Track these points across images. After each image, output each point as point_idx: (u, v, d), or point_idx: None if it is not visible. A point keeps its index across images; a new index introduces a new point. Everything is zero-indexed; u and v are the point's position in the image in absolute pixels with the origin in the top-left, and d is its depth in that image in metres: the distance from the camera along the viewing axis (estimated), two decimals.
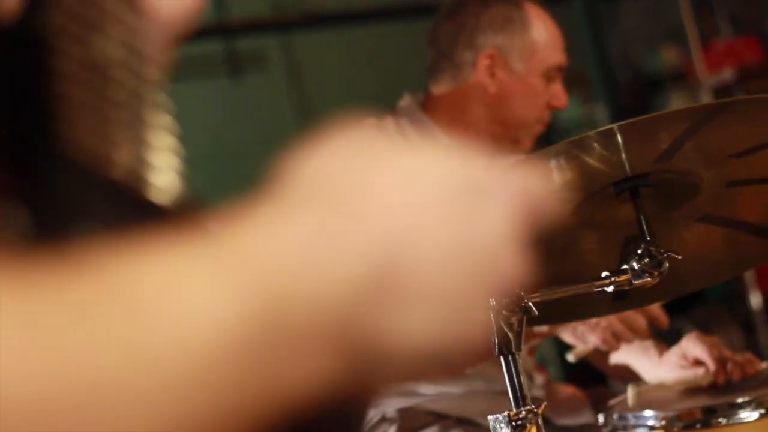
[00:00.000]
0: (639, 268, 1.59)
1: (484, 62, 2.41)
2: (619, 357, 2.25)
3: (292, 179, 0.54)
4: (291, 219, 0.51)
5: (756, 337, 4.32)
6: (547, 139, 6.09)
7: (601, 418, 1.99)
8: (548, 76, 2.41)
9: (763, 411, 1.82)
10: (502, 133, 2.42)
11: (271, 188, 0.53)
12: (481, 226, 0.54)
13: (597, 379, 2.94)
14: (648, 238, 1.59)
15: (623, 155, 1.52)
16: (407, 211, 0.53)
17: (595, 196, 1.62)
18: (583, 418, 2.39)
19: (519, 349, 1.55)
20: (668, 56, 5.66)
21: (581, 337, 2.13)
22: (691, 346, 2.12)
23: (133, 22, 0.59)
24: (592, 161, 1.53)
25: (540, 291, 1.57)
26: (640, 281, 1.59)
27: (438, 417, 2.30)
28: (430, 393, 2.31)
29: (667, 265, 1.58)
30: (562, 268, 1.77)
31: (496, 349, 1.55)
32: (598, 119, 5.73)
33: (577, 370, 2.31)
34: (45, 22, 0.56)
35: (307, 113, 5.18)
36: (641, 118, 1.41)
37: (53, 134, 0.55)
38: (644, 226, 1.60)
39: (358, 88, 5.51)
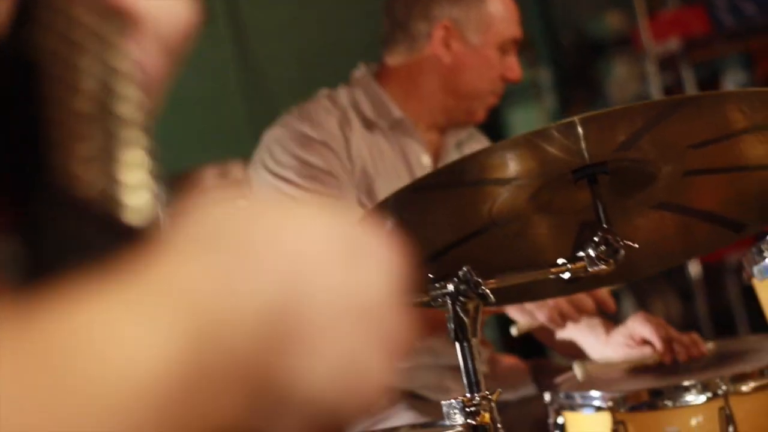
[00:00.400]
0: (595, 255, 1.59)
1: (439, 33, 2.40)
2: (566, 333, 2.27)
3: (195, 225, 0.54)
4: (198, 260, 0.52)
5: (694, 306, 4.38)
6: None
7: (547, 396, 2.01)
8: (503, 49, 2.41)
9: (710, 395, 1.84)
10: (456, 104, 2.42)
11: (177, 230, 0.54)
12: (365, 277, 0.56)
13: (536, 350, 2.97)
14: (605, 226, 1.60)
15: (582, 144, 1.52)
16: (301, 258, 0.55)
17: (552, 182, 1.62)
18: (525, 389, 2.41)
19: (474, 335, 1.55)
20: (613, 21, 5.68)
21: (528, 314, 2.14)
22: (638, 326, 2.14)
23: (122, 43, 0.57)
24: (552, 150, 1.53)
25: (496, 277, 1.57)
26: (595, 269, 1.60)
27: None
28: None
29: (623, 253, 1.59)
30: (516, 252, 1.77)
31: (452, 335, 1.55)
32: (543, 83, 5.74)
33: (516, 341, 2.32)
34: (33, 44, 0.54)
35: (250, 70, 5.14)
36: (600, 112, 1.43)
37: (45, 163, 0.54)
38: (601, 214, 1.60)
39: (301, 47, 5.48)
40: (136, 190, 0.56)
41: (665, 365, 2.09)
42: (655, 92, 4.32)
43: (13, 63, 0.55)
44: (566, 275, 1.60)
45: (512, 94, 5.93)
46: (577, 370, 2.06)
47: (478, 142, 2.59)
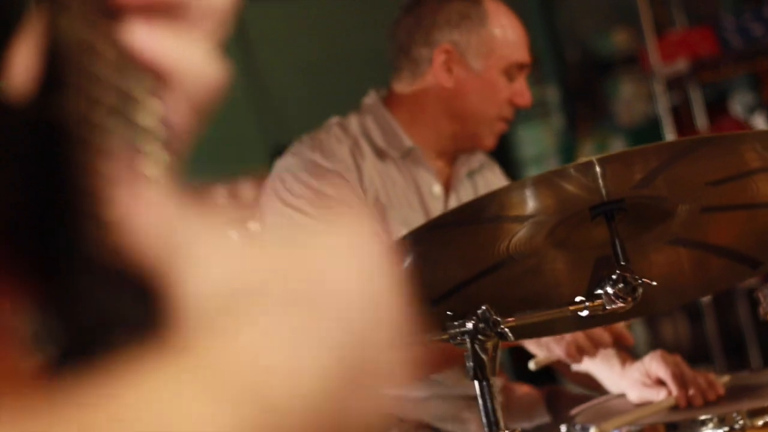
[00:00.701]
0: (613, 293, 1.59)
1: (439, 58, 2.39)
2: (582, 366, 2.26)
3: (231, 279, 0.53)
4: (251, 324, 0.51)
5: (704, 328, 4.37)
6: None
7: (563, 429, 2.00)
8: (509, 74, 2.39)
9: (727, 429, 1.84)
10: (461, 130, 2.40)
11: (215, 291, 0.53)
12: (393, 300, 0.56)
13: (548, 378, 2.96)
14: (622, 264, 1.60)
15: (600, 183, 1.52)
16: (351, 300, 0.54)
17: (570, 219, 1.62)
18: (539, 418, 2.40)
19: (494, 373, 1.55)
20: (619, 39, 5.68)
21: (545, 347, 2.13)
22: (654, 365, 2.12)
23: (149, 101, 0.57)
24: (570, 188, 1.53)
25: (514, 314, 1.57)
26: (613, 306, 1.60)
27: (396, 420, 2.30)
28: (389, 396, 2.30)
29: (641, 291, 1.59)
30: (532, 287, 1.77)
31: (471, 374, 1.55)
32: (550, 100, 5.75)
33: (527, 368, 2.31)
34: (60, 107, 0.53)
35: (257, 82, 5.15)
36: (619, 152, 1.43)
37: (72, 230, 0.53)
38: (619, 251, 1.60)
39: (308, 59, 5.49)
40: (159, 250, 0.55)
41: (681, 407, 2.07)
42: (663, 112, 4.32)
43: (40, 127, 0.54)
44: (584, 313, 1.60)
45: (519, 111, 5.94)
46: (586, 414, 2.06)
47: (491, 171, 2.58)
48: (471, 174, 2.51)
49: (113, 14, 0.56)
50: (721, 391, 2.07)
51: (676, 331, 4.40)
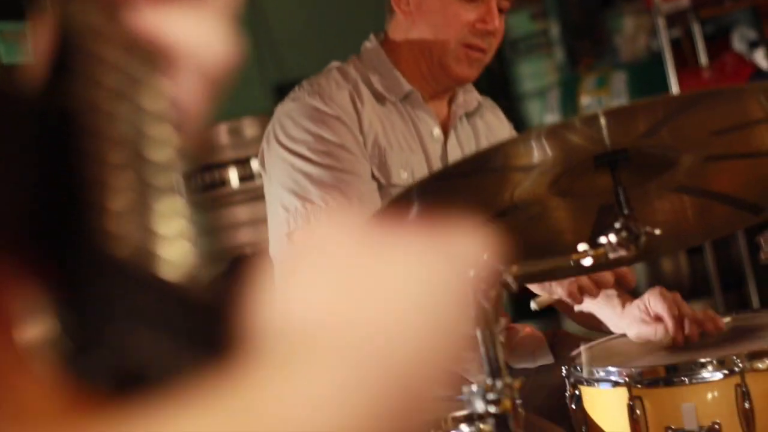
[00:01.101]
0: (616, 241, 1.61)
1: None
2: (584, 305, 2.29)
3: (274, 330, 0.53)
4: (302, 378, 0.52)
5: (703, 260, 4.40)
6: (499, 55, 6.08)
7: (564, 371, 2.03)
8: None
9: (726, 372, 1.86)
10: (431, 63, 2.38)
11: (258, 344, 0.53)
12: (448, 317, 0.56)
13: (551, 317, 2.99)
14: (626, 213, 1.61)
15: (605, 134, 1.53)
16: (406, 335, 0.54)
17: (574, 168, 1.63)
18: (543, 358, 2.43)
19: (497, 322, 1.56)
20: None
21: (547, 288, 2.16)
22: (653, 301, 2.15)
23: (157, 83, 0.56)
24: (575, 139, 1.55)
25: (518, 264, 1.58)
26: (616, 255, 1.61)
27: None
28: None
29: (644, 239, 1.60)
30: (536, 235, 1.79)
31: (474, 322, 1.56)
32: (551, 35, 5.72)
33: (529, 310, 2.33)
34: (69, 94, 0.53)
35: (261, 30, 5.12)
36: (624, 106, 1.44)
37: (79, 222, 0.53)
38: (622, 201, 1.62)
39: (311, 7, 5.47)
40: (172, 241, 0.54)
41: (678, 345, 2.10)
42: (664, 48, 4.31)
43: (49, 114, 0.53)
44: (588, 261, 1.61)
45: (519, 46, 5.92)
46: (584, 354, 2.08)
47: (492, 113, 2.58)
48: (469, 115, 2.51)
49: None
50: (722, 325, 2.10)
51: (677, 266, 4.43)
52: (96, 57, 0.54)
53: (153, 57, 0.56)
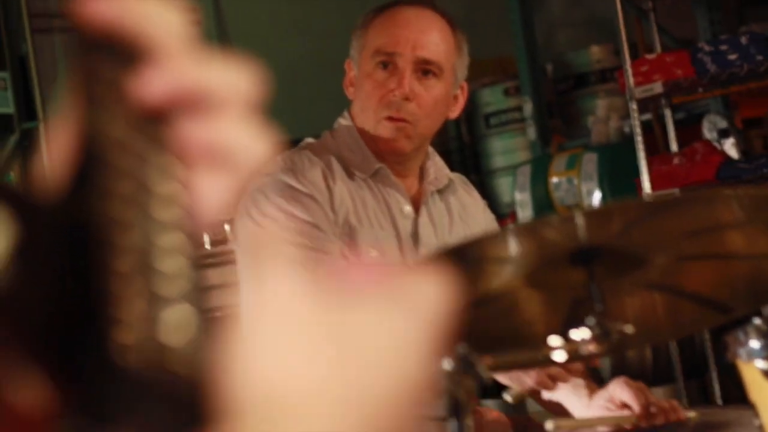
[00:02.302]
0: (588, 337, 1.63)
1: (348, 74, 2.48)
2: (553, 394, 2.30)
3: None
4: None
5: (667, 347, 4.43)
6: (472, 129, 6.14)
7: None
8: (381, 62, 2.39)
9: None
10: (368, 135, 2.43)
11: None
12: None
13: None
14: (599, 310, 1.63)
15: (581, 232, 1.56)
16: (381, 390, 0.55)
17: (549, 263, 1.65)
18: None
19: (469, 413, 1.58)
20: (596, 55, 5.73)
21: (517, 379, 2.17)
22: (618, 390, 2.18)
23: (185, 203, 0.57)
24: (551, 235, 1.57)
25: (492, 355, 1.60)
26: (588, 351, 1.63)
27: None
28: None
29: (616, 337, 1.62)
30: (506, 325, 1.80)
31: (447, 411, 1.57)
32: (525, 113, 5.79)
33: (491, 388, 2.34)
34: (92, 209, 0.53)
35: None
36: (600, 207, 1.46)
37: (104, 339, 0.53)
38: (596, 297, 1.64)
39: (285, 57, 5.50)
40: (180, 349, 0.54)
41: (642, 429, 2.13)
42: (636, 133, 4.37)
43: (69, 228, 0.54)
44: (560, 356, 1.63)
45: (493, 120, 5.98)
46: (549, 426, 2.09)
47: (466, 192, 2.61)
48: (441, 192, 2.53)
49: (149, 110, 0.56)
50: (683, 415, 2.12)
51: (641, 353, 4.45)
52: (117, 170, 0.55)
53: (173, 165, 0.56)
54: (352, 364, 0.55)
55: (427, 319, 0.57)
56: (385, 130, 2.39)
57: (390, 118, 2.38)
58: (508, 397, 2.18)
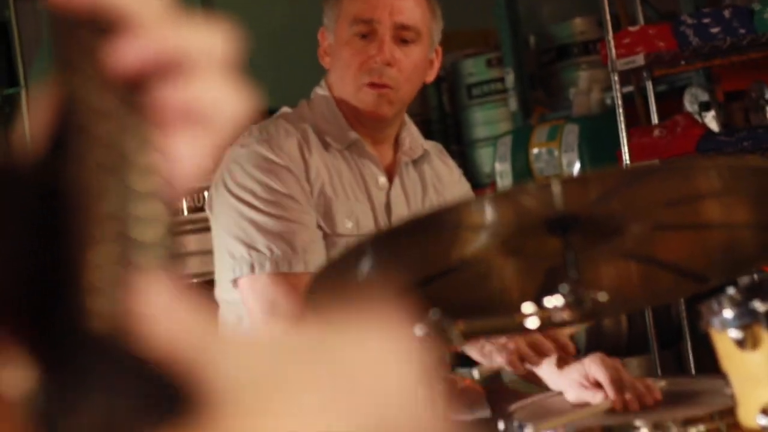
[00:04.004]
0: (562, 305, 1.63)
1: (321, 44, 2.47)
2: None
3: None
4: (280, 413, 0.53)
5: (643, 317, 4.45)
6: (453, 100, 6.13)
7: (501, 425, 2.04)
8: (361, 33, 2.38)
9: None
10: (349, 104, 2.42)
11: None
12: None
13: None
14: (573, 278, 1.63)
15: (558, 200, 1.56)
16: (384, 392, 0.56)
17: (525, 230, 1.65)
18: (480, 411, 2.45)
19: (439, 377, 1.58)
20: (579, 27, 5.72)
21: (488, 357, 2.17)
22: (593, 368, 2.16)
23: (158, 165, 0.57)
24: (527, 202, 1.57)
25: (464, 321, 1.60)
26: (561, 318, 1.63)
27: None
28: None
29: (590, 305, 1.62)
30: (481, 292, 1.81)
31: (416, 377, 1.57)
32: (507, 84, 5.78)
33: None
34: (68, 175, 0.53)
35: None
36: (577, 175, 1.46)
37: (69, 300, 0.53)
38: (571, 265, 1.64)
39: (268, 25, 5.48)
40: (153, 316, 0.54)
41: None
42: (618, 105, 4.37)
43: (44, 194, 0.54)
44: (533, 323, 1.63)
45: (475, 91, 5.97)
46: (520, 412, 2.11)
47: (440, 160, 2.60)
48: (416, 162, 2.52)
49: (126, 77, 0.56)
50: (659, 396, 2.12)
51: (616, 322, 4.46)
52: (95, 137, 0.55)
53: (152, 133, 0.56)
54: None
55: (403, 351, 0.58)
56: (366, 96, 2.38)
57: (372, 84, 2.37)
58: (475, 373, 2.18)
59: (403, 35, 2.38)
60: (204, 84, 0.57)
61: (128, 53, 0.55)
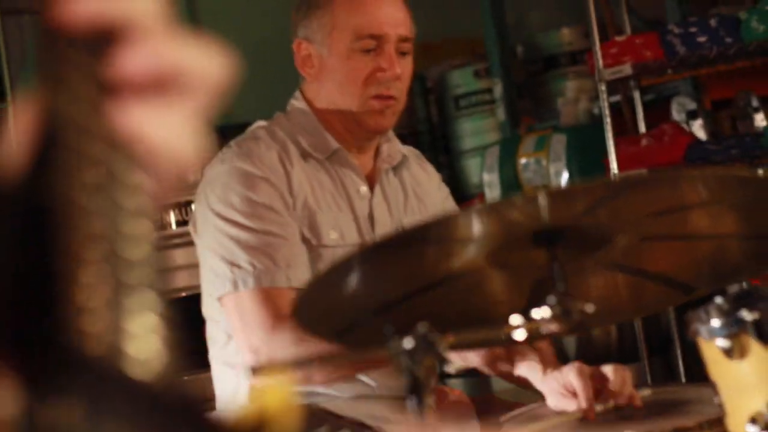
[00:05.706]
0: (549, 317, 1.63)
1: (298, 55, 2.44)
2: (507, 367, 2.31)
3: None
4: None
5: (632, 325, 4.45)
6: (441, 111, 6.13)
7: None
8: (364, 48, 2.37)
9: None
10: (344, 118, 2.41)
11: None
12: None
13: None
14: (561, 289, 1.63)
15: (544, 212, 1.56)
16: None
17: (512, 243, 1.65)
18: (469, 426, 2.44)
19: (429, 393, 1.58)
20: (567, 37, 5.74)
21: (463, 357, 2.18)
22: (571, 376, 2.15)
23: (142, 182, 0.57)
24: (515, 215, 1.57)
25: (452, 332, 1.60)
26: (548, 329, 1.63)
27: (331, 415, 2.33)
28: (324, 393, 2.35)
29: (577, 317, 1.62)
30: (469, 305, 1.80)
31: (408, 390, 1.57)
32: (495, 95, 5.78)
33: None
34: (52, 191, 0.53)
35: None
36: (562, 188, 1.46)
37: (59, 321, 0.53)
38: (558, 277, 1.64)
39: (252, 37, 5.48)
40: (143, 338, 0.54)
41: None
42: (605, 115, 4.37)
43: (28, 209, 0.54)
44: (521, 335, 1.63)
45: (462, 102, 5.97)
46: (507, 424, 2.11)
47: (419, 167, 2.59)
48: (396, 168, 2.52)
49: (110, 92, 0.56)
50: (639, 403, 2.11)
51: (606, 331, 4.47)
52: (78, 153, 0.54)
53: (133, 153, 0.57)
54: None
55: None
56: (374, 108, 2.38)
57: (378, 97, 2.37)
58: (450, 367, 2.18)
59: (402, 47, 2.39)
60: (172, 45, 0.58)
61: (127, 65, 0.55)
